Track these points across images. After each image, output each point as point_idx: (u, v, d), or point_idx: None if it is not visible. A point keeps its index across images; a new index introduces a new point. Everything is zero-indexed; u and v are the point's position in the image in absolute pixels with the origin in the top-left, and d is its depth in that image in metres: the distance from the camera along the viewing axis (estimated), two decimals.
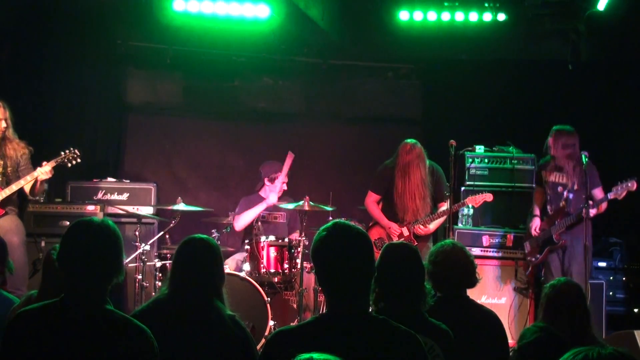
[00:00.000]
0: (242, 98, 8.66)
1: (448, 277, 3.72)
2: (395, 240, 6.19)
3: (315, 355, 1.95)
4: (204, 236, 3.41)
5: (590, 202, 6.07)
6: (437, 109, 8.56)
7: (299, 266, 6.15)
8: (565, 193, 6.30)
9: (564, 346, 2.90)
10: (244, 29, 7.36)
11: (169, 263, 6.14)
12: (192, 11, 7.12)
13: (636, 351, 4.80)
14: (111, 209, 6.97)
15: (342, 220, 2.62)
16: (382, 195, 6.47)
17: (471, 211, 7.03)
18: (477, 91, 8.17)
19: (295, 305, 6.25)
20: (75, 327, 2.60)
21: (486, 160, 7.34)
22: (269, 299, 5.97)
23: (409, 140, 6.31)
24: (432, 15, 7.56)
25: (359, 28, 8.08)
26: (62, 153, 6.13)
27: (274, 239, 6.36)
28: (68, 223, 6.66)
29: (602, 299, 6.68)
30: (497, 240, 6.92)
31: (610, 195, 6.05)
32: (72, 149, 6.16)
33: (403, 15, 7.60)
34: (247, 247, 6.38)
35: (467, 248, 3.98)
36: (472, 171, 7.30)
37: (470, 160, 7.32)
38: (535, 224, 6.45)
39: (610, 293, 7.15)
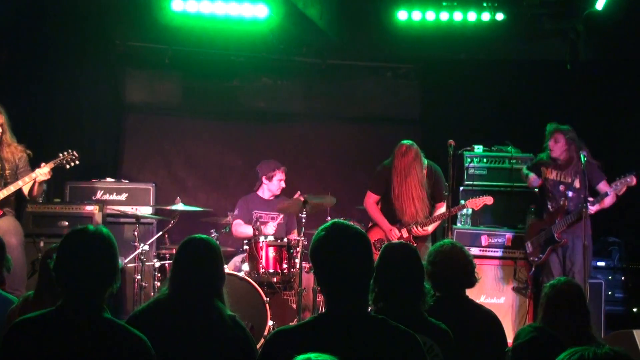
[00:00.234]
0: (241, 98, 8.66)
1: (447, 277, 3.72)
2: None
3: (313, 355, 1.95)
4: (205, 236, 3.40)
5: (591, 199, 6.08)
6: (436, 108, 8.56)
7: (297, 266, 6.15)
8: (565, 191, 6.30)
9: (559, 346, 2.89)
10: (242, 28, 7.36)
11: (168, 263, 6.15)
12: (190, 11, 7.12)
13: (635, 351, 4.80)
14: (110, 209, 6.97)
15: (341, 220, 2.62)
16: (381, 195, 6.47)
17: (470, 211, 7.02)
18: (476, 91, 8.18)
19: (294, 305, 6.24)
20: (73, 336, 2.59)
21: (485, 160, 7.34)
22: (267, 299, 5.97)
23: (404, 142, 6.29)
24: (430, 15, 7.57)
25: (357, 28, 8.08)
26: (61, 155, 6.13)
27: (273, 239, 6.37)
28: (67, 223, 6.66)
29: (601, 299, 6.69)
30: (496, 240, 6.92)
31: (610, 192, 6.06)
32: (70, 150, 6.16)
33: (401, 15, 7.60)
34: (246, 247, 6.38)
35: (466, 248, 3.98)
36: (471, 171, 7.30)
37: (469, 160, 7.32)
38: (532, 176, 6.47)
39: (609, 292, 7.16)
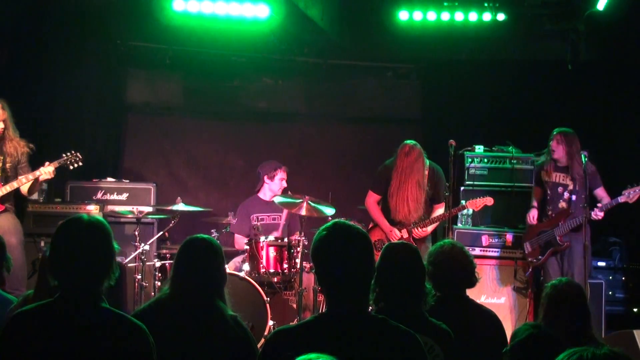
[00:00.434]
0: (241, 98, 8.66)
1: (447, 277, 3.72)
2: None
3: (313, 356, 1.95)
4: (206, 236, 3.40)
5: (605, 201, 6.07)
6: (437, 108, 8.57)
7: (298, 266, 6.14)
8: (566, 194, 6.29)
9: (556, 345, 2.89)
10: (243, 29, 7.36)
11: (169, 263, 6.16)
12: (191, 11, 7.11)
13: (635, 351, 4.79)
14: (110, 209, 6.97)
15: (342, 220, 2.62)
16: (382, 195, 6.46)
17: (470, 211, 7.01)
18: (477, 91, 8.18)
19: (294, 305, 6.24)
20: (71, 326, 2.59)
21: (485, 160, 7.34)
22: (268, 298, 5.97)
23: (408, 142, 6.29)
24: (431, 15, 7.57)
25: (358, 28, 8.09)
26: (64, 155, 6.14)
27: (274, 239, 6.36)
28: None
29: (602, 299, 6.67)
30: (496, 240, 6.91)
31: (621, 199, 6.03)
32: (74, 152, 6.17)
33: (402, 15, 7.61)
34: (246, 247, 6.38)
35: (467, 248, 3.98)
36: (472, 171, 7.30)
37: (470, 160, 7.31)
38: (533, 213, 6.46)
39: (610, 293, 7.16)
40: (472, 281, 3.82)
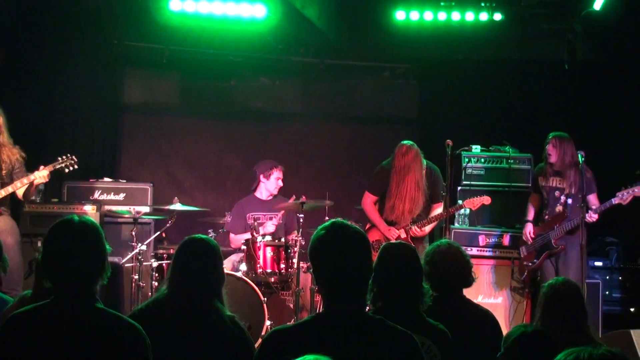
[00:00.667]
0: (238, 98, 8.66)
1: (444, 277, 3.71)
2: None
3: (310, 357, 1.95)
4: (204, 236, 3.40)
5: (593, 207, 6.06)
6: (434, 108, 8.56)
7: (295, 266, 6.14)
8: (562, 198, 6.28)
9: (551, 345, 2.89)
10: (240, 28, 7.35)
11: (166, 263, 6.15)
12: (188, 11, 7.10)
13: (632, 351, 4.79)
14: (107, 209, 6.97)
15: (340, 219, 2.61)
16: (379, 196, 6.46)
17: (467, 211, 7.01)
18: (474, 91, 8.17)
19: (291, 305, 6.24)
20: (67, 327, 2.60)
21: (483, 160, 7.33)
22: (265, 298, 5.97)
23: (405, 142, 6.29)
24: (428, 15, 7.56)
25: (355, 28, 8.09)
26: (60, 158, 6.13)
27: (271, 238, 6.36)
28: None
29: (599, 299, 6.68)
30: (493, 240, 6.91)
31: (615, 201, 6.01)
32: (69, 155, 6.16)
33: (399, 14, 7.59)
34: (243, 247, 6.38)
35: (464, 248, 3.98)
36: (469, 171, 7.30)
37: (467, 159, 7.31)
38: (529, 229, 6.45)
39: (607, 292, 7.16)
40: (468, 281, 3.82)
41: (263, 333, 5.75)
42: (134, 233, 6.29)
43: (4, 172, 5.95)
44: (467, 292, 3.83)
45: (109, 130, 8.41)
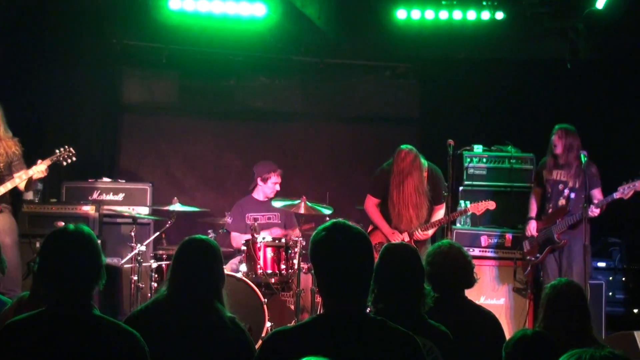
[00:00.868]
0: (238, 97, 8.64)
1: (446, 278, 3.70)
2: None
3: (310, 358, 1.94)
4: (204, 237, 3.39)
5: (596, 201, 6.04)
6: (435, 108, 8.54)
7: (296, 267, 6.11)
8: (566, 191, 6.27)
9: (553, 346, 2.87)
10: (240, 27, 7.34)
11: (165, 264, 6.12)
12: (188, 10, 7.10)
13: (636, 352, 4.77)
14: (106, 209, 6.94)
15: (341, 220, 2.58)
16: (381, 199, 6.42)
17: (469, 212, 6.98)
18: (475, 90, 8.15)
19: (292, 307, 6.22)
20: (64, 335, 2.60)
21: (484, 160, 7.31)
22: (265, 300, 5.94)
23: (403, 147, 6.24)
24: (429, 14, 7.54)
25: (356, 27, 8.06)
26: (57, 151, 6.12)
27: (271, 239, 6.33)
28: (63, 223, 6.56)
29: (602, 300, 6.66)
30: (495, 241, 6.89)
31: (616, 195, 6.00)
32: (67, 147, 6.15)
33: (400, 13, 7.57)
34: (243, 247, 6.34)
35: (466, 248, 3.97)
36: (471, 171, 7.27)
37: (469, 159, 7.29)
38: (532, 225, 6.43)
39: (610, 293, 7.13)
40: (470, 282, 3.81)
41: (263, 334, 5.73)
42: (133, 233, 6.27)
43: (2, 165, 5.93)
44: (469, 293, 3.81)
45: (107, 129, 8.40)
